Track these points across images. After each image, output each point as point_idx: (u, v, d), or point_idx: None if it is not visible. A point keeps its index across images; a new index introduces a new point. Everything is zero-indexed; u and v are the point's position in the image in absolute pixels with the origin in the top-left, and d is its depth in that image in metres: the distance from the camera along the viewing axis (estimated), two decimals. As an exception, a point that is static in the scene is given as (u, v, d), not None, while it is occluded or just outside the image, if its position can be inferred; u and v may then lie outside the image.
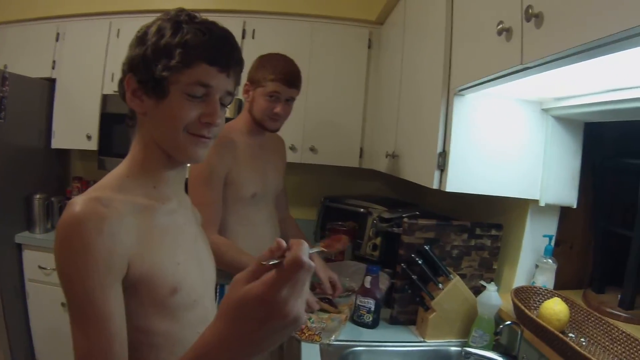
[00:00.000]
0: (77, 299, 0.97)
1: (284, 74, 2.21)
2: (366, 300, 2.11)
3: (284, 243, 0.76)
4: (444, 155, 1.90)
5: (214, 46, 1.11)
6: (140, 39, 1.11)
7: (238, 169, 2.23)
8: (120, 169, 1.18)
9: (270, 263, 0.73)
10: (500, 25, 1.35)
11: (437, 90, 1.96)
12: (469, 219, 2.32)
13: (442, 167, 1.90)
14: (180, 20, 1.10)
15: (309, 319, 2.08)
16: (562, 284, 2.09)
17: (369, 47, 3.55)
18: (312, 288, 2.29)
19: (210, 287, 1.38)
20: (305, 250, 0.73)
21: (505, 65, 1.38)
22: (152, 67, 1.08)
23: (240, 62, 1.20)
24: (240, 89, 1.23)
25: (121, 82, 1.16)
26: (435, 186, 1.94)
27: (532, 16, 1.18)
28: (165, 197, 1.22)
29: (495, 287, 1.93)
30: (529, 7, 1.18)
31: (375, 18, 3.47)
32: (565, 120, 1.98)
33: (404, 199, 3.74)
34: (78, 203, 1.00)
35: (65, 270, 0.98)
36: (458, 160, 1.88)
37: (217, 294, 2.20)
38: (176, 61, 1.07)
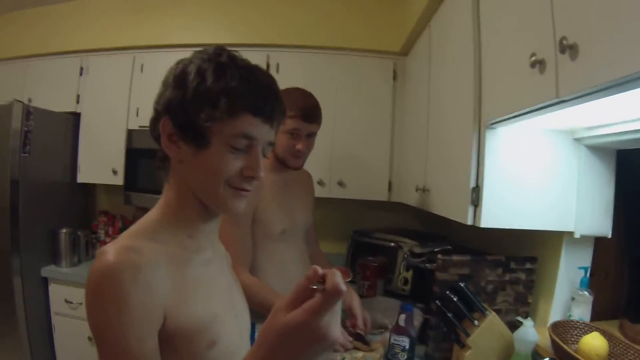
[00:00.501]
0: (111, 352, 0.93)
1: (302, 109, 2.19)
2: (401, 338, 2.09)
3: (320, 270, 0.81)
4: (477, 191, 1.89)
5: (259, 96, 1.07)
6: (179, 79, 1.07)
7: (265, 207, 2.22)
8: (153, 215, 1.15)
9: (314, 287, 0.79)
10: (534, 58, 1.34)
11: (467, 123, 1.96)
12: (499, 251, 2.31)
13: (476, 202, 1.90)
14: (223, 62, 1.06)
15: (343, 359, 2.07)
16: (597, 315, 2.07)
17: (394, 78, 3.57)
18: (343, 324, 2.26)
19: (246, 336, 1.34)
20: (341, 278, 0.79)
21: (540, 99, 1.36)
22: (193, 114, 1.04)
23: (284, 113, 1.16)
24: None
25: (154, 122, 1.13)
26: (469, 222, 1.93)
27: (567, 47, 1.16)
28: (201, 247, 1.19)
29: (532, 323, 1.90)
30: (563, 38, 1.17)
31: (399, 49, 3.49)
32: (597, 149, 1.97)
33: (433, 231, 3.72)
34: (110, 252, 0.97)
35: (99, 321, 0.94)
36: (492, 195, 1.87)
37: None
38: (221, 112, 1.03)
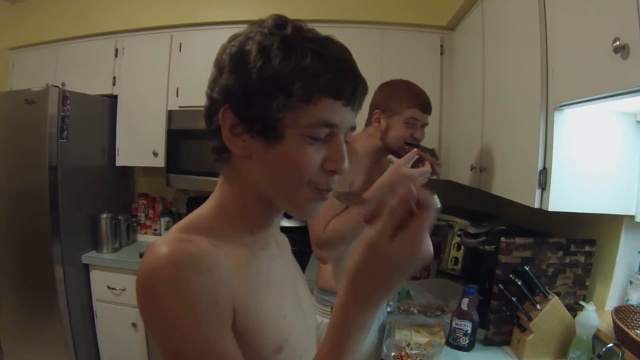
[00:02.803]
0: (184, 353, 0.83)
1: (421, 99, 2.32)
2: (463, 322, 2.18)
3: (414, 188, 0.79)
4: (545, 174, 1.93)
5: (338, 75, 0.92)
6: (237, 61, 0.93)
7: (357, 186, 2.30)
8: (207, 209, 1.05)
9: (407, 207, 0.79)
10: (617, 42, 1.33)
11: (534, 104, 1.99)
12: (554, 232, 2.37)
13: (544, 185, 1.93)
14: (288, 35, 0.92)
15: (408, 344, 2.15)
16: None
17: (442, 53, 3.61)
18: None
19: (313, 336, 1.24)
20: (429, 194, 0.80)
21: (623, 85, 1.37)
22: (260, 103, 0.91)
23: (366, 91, 1.00)
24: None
25: (209, 112, 1.00)
26: (536, 205, 1.96)
27: None
28: (264, 243, 1.09)
29: (594, 307, 1.96)
30: None
31: (447, 23, 3.52)
32: None
33: (478, 208, 3.75)
34: (163, 244, 0.88)
35: (162, 322, 0.83)
36: (560, 178, 1.90)
37: None
38: (295, 99, 0.90)
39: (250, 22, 0.97)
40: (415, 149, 2.18)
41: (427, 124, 2.40)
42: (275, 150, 0.93)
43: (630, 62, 1.31)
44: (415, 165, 2.16)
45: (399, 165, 2.12)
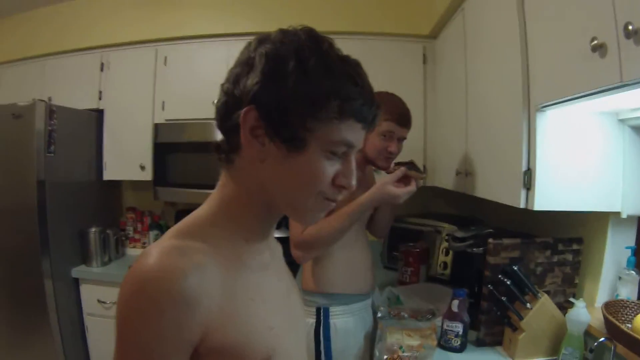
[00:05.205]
0: (126, 356, 0.87)
1: (398, 114, 2.35)
2: (454, 324, 2.18)
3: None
4: (529, 174, 1.95)
5: (366, 101, 0.96)
6: (273, 66, 0.93)
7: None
8: (204, 212, 1.05)
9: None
10: (595, 42, 1.37)
11: (516, 107, 2.02)
12: (541, 233, 2.38)
13: (529, 186, 1.95)
14: (325, 52, 0.95)
15: (400, 347, 2.15)
16: None
17: (424, 62, 3.65)
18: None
19: (303, 343, 1.28)
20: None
21: (602, 82, 1.39)
22: (294, 114, 0.92)
23: (379, 117, 1.05)
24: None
25: (226, 108, 0.99)
26: (522, 206, 1.98)
27: (632, 33, 1.20)
28: (257, 251, 1.09)
29: (584, 304, 1.96)
30: (628, 23, 1.21)
31: (429, 32, 3.54)
32: None
33: (464, 213, 3.79)
34: (153, 254, 0.89)
35: (124, 326, 0.87)
36: (544, 178, 1.92)
37: (323, 316, 2.38)
38: (329, 115, 0.92)
39: (280, 29, 0.98)
40: (402, 168, 2.23)
41: (404, 138, 2.44)
42: (295, 158, 0.95)
43: (608, 61, 1.35)
44: (400, 180, 2.22)
45: (385, 183, 2.19)
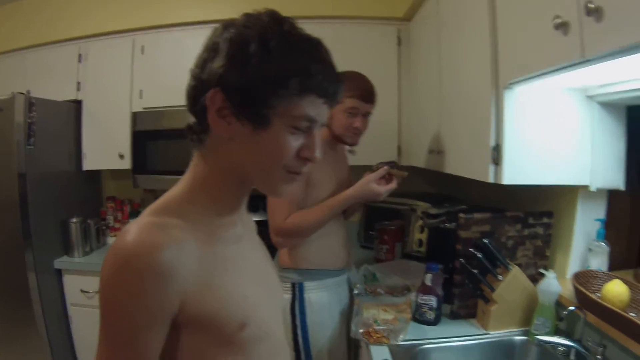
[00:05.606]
0: (113, 330, 0.93)
1: (361, 90, 2.40)
2: (428, 297, 2.21)
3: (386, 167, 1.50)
4: (498, 149, 1.98)
5: (327, 77, 1.01)
6: (236, 49, 0.96)
7: (317, 175, 2.40)
8: (179, 191, 1.09)
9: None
10: (558, 20, 1.39)
11: (485, 85, 2.05)
12: (514, 208, 2.41)
13: (497, 161, 1.98)
14: (287, 32, 0.98)
15: (375, 321, 2.18)
16: (612, 266, 2.19)
17: (399, 44, 3.67)
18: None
19: (279, 313, 1.34)
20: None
21: (565, 59, 1.43)
22: (257, 93, 0.97)
23: (342, 94, 1.09)
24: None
25: (194, 91, 1.03)
26: (491, 180, 2.02)
27: (593, 11, 1.22)
28: (231, 223, 1.15)
29: (554, 275, 2.01)
30: (588, 2, 1.22)
31: (403, 14, 3.57)
32: (609, 105, 2.06)
33: (442, 192, 3.83)
34: (131, 231, 0.94)
35: (109, 302, 0.93)
36: (512, 153, 1.95)
37: (298, 291, 2.45)
38: (290, 92, 0.97)
39: (244, 14, 1.01)
40: (386, 167, 2.37)
41: (370, 114, 2.50)
42: (260, 135, 1.00)
43: (570, 38, 1.37)
44: (382, 178, 2.37)
45: (368, 181, 2.34)
